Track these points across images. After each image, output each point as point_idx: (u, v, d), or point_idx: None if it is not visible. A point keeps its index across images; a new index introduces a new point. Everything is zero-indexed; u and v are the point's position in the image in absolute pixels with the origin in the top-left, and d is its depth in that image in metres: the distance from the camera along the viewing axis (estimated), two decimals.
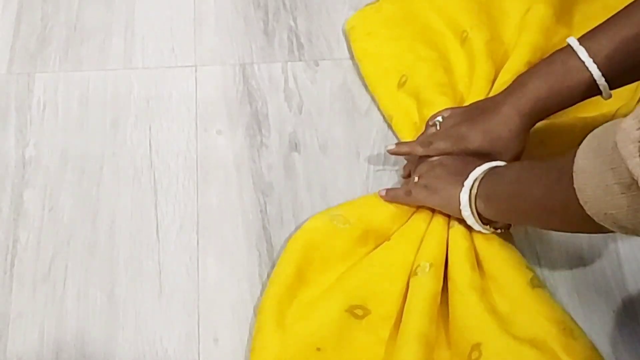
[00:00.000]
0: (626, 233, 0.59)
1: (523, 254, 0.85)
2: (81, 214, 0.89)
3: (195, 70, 1.01)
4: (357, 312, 0.78)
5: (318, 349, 0.76)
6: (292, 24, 1.05)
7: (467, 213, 0.78)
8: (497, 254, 0.81)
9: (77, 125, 0.96)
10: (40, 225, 0.88)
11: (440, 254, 0.81)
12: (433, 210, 0.85)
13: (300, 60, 1.02)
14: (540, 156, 0.88)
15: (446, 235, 0.83)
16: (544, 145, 0.88)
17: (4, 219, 0.88)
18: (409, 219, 0.86)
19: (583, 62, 0.77)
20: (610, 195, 0.57)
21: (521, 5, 0.98)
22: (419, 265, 0.80)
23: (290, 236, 0.85)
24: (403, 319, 0.77)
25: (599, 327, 0.81)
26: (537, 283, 0.79)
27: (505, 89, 0.84)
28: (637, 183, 0.54)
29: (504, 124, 0.81)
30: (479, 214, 0.78)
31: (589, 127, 0.87)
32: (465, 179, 0.78)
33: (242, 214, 0.89)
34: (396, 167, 0.93)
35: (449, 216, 0.84)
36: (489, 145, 0.82)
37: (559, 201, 0.65)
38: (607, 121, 0.87)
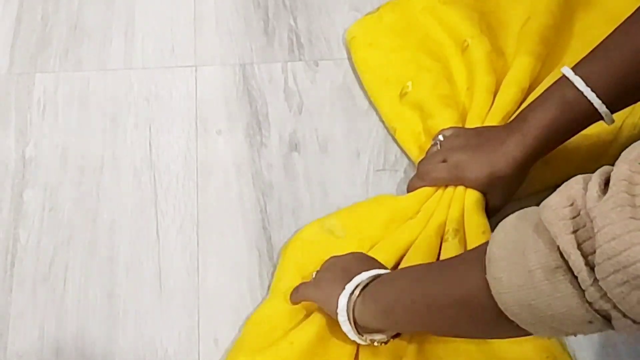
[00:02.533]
0: (539, 331, 0.54)
1: None
2: (81, 214, 0.89)
3: (195, 70, 1.01)
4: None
5: (291, 343, 0.75)
6: (292, 23, 1.05)
7: (342, 319, 0.70)
8: None
9: (77, 125, 0.96)
10: (40, 225, 0.88)
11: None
12: (427, 219, 0.83)
13: (300, 60, 1.02)
14: (545, 177, 0.87)
15: (437, 247, 0.81)
16: (549, 165, 0.86)
17: (4, 219, 0.88)
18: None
19: (582, 93, 0.75)
20: (531, 283, 0.51)
21: (521, 15, 0.98)
22: None
23: (289, 238, 0.86)
24: None
25: None
26: None
27: (508, 125, 0.83)
28: (563, 267, 0.49)
29: (505, 161, 0.80)
30: (356, 323, 0.70)
31: (594, 145, 0.88)
32: (349, 281, 0.70)
33: (242, 214, 0.89)
34: (396, 167, 0.93)
35: (443, 226, 0.83)
36: (487, 180, 0.81)
37: (466, 294, 0.59)
38: (611, 137, 0.88)
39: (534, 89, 0.93)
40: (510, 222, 0.55)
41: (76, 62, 1.01)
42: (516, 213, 0.56)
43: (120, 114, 0.96)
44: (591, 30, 0.98)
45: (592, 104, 0.75)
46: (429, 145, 0.89)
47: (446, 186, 0.85)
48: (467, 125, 0.90)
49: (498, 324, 0.56)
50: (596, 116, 0.76)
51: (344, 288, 0.70)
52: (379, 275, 0.71)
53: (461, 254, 0.64)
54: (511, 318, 0.54)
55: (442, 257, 0.81)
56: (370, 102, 0.98)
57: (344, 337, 0.74)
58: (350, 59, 1.01)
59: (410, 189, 0.87)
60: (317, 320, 0.76)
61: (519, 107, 0.91)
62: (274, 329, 0.78)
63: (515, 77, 0.92)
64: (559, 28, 0.98)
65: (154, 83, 0.99)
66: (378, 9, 1.05)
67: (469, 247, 0.80)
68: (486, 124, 0.89)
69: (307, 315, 0.78)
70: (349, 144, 0.94)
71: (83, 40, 1.03)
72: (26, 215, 0.88)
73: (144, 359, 0.80)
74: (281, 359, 0.74)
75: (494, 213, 0.85)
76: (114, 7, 1.06)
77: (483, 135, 0.84)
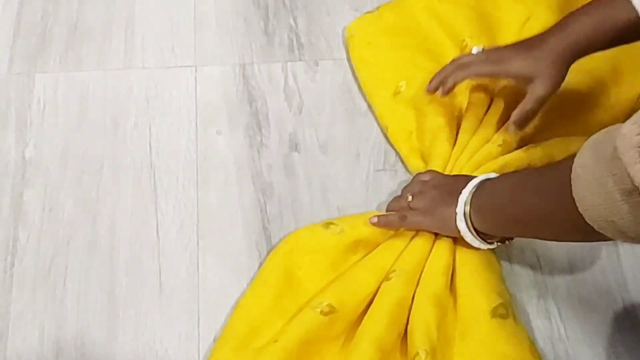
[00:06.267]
0: (626, 240, 0.59)
1: (523, 253, 0.86)
2: (81, 214, 0.89)
3: (195, 70, 1.01)
4: (324, 309, 0.77)
5: (275, 341, 0.76)
6: (292, 23, 1.05)
7: (464, 228, 0.77)
8: (471, 275, 0.79)
9: (77, 125, 0.96)
10: (40, 225, 0.88)
11: (418, 263, 0.80)
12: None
13: (300, 60, 1.02)
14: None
15: (430, 247, 0.82)
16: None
17: (4, 219, 0.88)
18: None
19: (630, 2, 0.76)
20: (611, 203, 0.56)
21: (521, 14, 0.98)
22: (394, 271, 0.79)
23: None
24: (364, 320, 0.77)
25: (599, 327, 0.81)
26: (500, 312, 0.77)
27: (552, 26, 0.84)
28: (638, 189, 0.53)
29: (548, 51, 0.82)
30: (475, 229, 0.77)
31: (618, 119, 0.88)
32: (459, 195, 0.77)
33: (242, 214, 0.89)
34: (396, 167, 0.93)
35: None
36: (531, 68, 0.82)
37: (557, 210, 0.64)
38: (633, 109, 0.88)
39: None
40: (592, 142, 0.59)
41: (76, 62, 1.01)
42: (599, 133, 0.59)
43: (120, 114, 0.97)
44: None
45: (638, 16, 0.77)
46: (418, 146, 0.90)
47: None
48: (463, 124, 0.90)
49: (587, 234, 0.60)
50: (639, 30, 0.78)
51: (457, 202, 0.77)
52: (483, 181, 0.77)
53: (551, 167, 0.68)
54: (598, 230, 0.59)
55: (432, 254, 0.81)
56: (367, 101, 0.98)
57: (331, 337, 0.76)
58: (348, 56, 1.01)
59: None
60: (304, 321, 0.76)
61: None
62: (260, 318, 0.78)
63: None
64: None
65: (154, 83, 0.99)
66: (378, 8, 1.05)
67: (457, 247, 0.81)
68: (483, 123, 0.89)
69: (295, 310, 0.79)
70: (349, 144, 0.95)
71: (83, 40, 1.03)
72: (26, 215, 0.88)
73: (144, 358, 0.80)
74: (264, 356, 0.75)
75: (540, 103, 0.84)
76: (114, 7, 1.06)
77: (526, 40, 0.85)
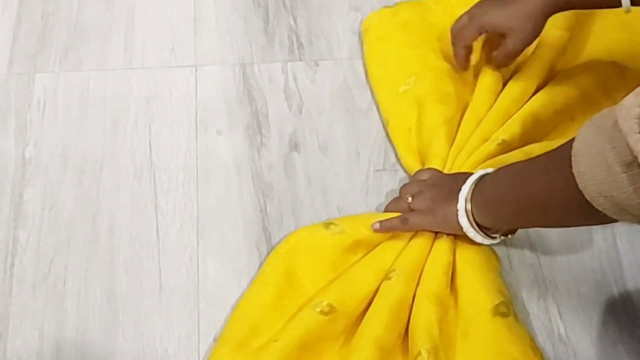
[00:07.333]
0: (625, 218, 0.58)
1: (523, 253, 0.86)
2: (81, 214, 0.89)
3: (195, 70, 1.01)
4: (324, 309, 0.77)
5: (275, 341, 0.76)
6: (292, 23, 1.05)
7: (466, 224, 0.77)
8: (472, 273, 0.79)
9: (77, 125, 0.96)
10: (40, 225, 0.88)
11: (418, 263, 0.80)
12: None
13: (300, 60, 1.02)
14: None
15: (430, 245, 0.82)
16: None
17: (4, 219, 0.88)
18: None
19: None
20: (611, 176, 0.56)
21: None
22: (394, 270, 0.79)
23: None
24: (363, 320, 0.77)
25: (599, 327, 0.81)
26: (501, 311, 0.77)
27: None
28: (637, 160, 0.53)
29: (522, 6, 0.84)
30: (478, 224, 0.77)
31: None
32: (459, 191, 0.77)
33: (242, 214, 0.89)
34: (396, 167, 0.93)
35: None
36: (504, 23, 0.85)
37: (557, 191, 0.64)
38: None
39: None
40: (593, 119, 0.59)
41: (76, 62, 1.01)
42: (601, 111, 0.59)
43: (120, 114, 0.97)
44: (608, 34, 0.98)
45: None
46: (416, 144, 0.90)
47: None
48: (463, 122, 0.90)
49: (588, 214, 0.60)
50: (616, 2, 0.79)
51: (457, 198, 0.77)
52: (482, 176, 0.77)
53: (550, 151, 0.68)
54: (598, 208, 0.59)
55: (432, 253, 0.81)
56: (372, 95, 0.98)
57: (331, 337, 0.76)
58: (361, 51, 1.02)
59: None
60: (304, 321, 0.76)
61: (520, 108, 0.91)
62: (260, 318, 0.78)
63: (521, 80, 0.92)
64: (574, 35, 0.98)
65: (154, 83, 0.99)
66: (397, 3, 1.05)
67: (457, 246, 0.81)
68: (484, 123, 0.90)
69: (295, 310, 0.78)
70: (349, 144, 0.95)
71: (83, 40, 1.03)
72: (26, 215, 0.88)
73: (144, 358, 0.80)
74: (265, 356, 0.75)
75: (510, 58, 0.89)
76: (114, 7, 1.06)
77: None
